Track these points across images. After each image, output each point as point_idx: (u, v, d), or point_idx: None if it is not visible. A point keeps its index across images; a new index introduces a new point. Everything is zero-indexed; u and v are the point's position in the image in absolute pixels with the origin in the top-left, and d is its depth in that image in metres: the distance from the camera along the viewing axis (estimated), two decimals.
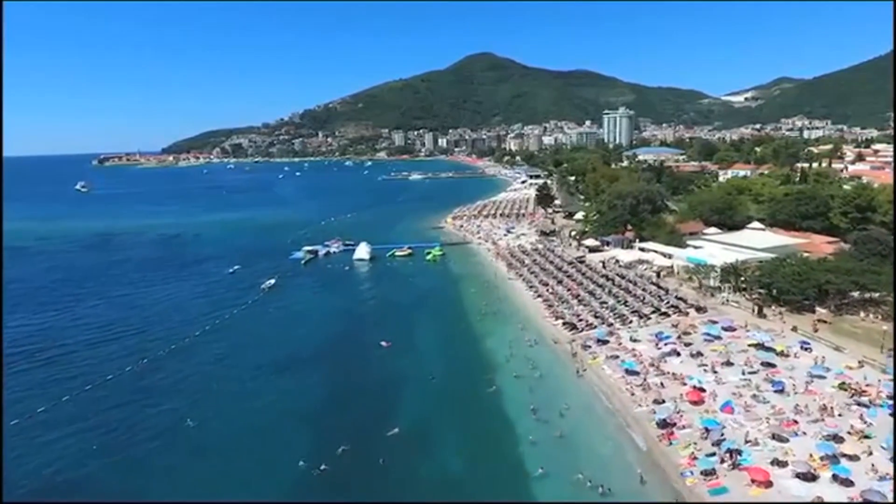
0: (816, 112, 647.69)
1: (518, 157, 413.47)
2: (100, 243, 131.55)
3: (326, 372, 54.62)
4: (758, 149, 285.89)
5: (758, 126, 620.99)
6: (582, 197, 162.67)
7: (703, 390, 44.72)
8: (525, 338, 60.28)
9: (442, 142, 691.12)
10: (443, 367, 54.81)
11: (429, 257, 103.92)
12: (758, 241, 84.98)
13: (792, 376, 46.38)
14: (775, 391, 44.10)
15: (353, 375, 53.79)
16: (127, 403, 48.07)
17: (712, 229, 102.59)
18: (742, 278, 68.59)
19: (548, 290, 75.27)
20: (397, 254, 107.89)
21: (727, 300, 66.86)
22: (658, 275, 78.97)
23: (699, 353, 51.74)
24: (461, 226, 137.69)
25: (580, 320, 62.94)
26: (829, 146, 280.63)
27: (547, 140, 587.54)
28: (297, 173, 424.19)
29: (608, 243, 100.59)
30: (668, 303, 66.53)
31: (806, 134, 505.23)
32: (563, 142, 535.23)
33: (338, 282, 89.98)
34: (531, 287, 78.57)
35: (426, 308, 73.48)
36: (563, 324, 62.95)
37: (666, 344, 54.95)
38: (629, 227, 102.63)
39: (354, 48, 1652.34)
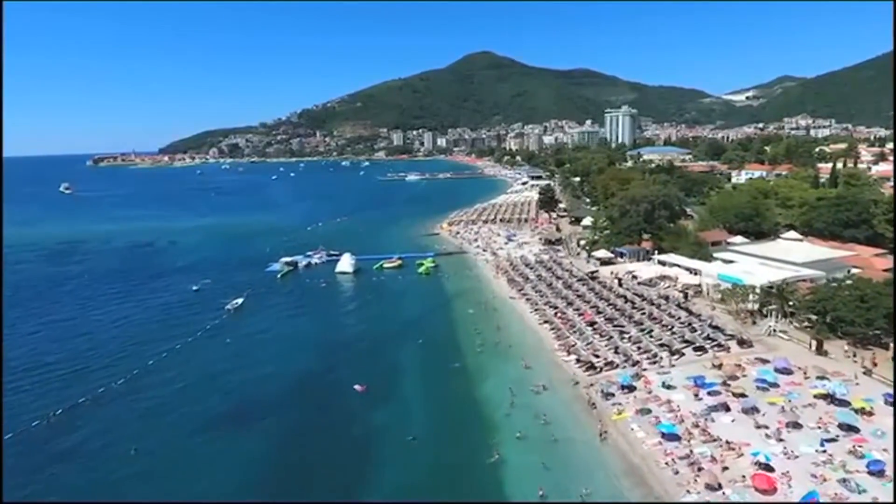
0: (820, 111, 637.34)
1: (518, 157, 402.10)
2: (63, 252, 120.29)
3: (281, 430, 43.30)
4: (767, 148, 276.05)
5: (760, 125, 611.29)
6: (588, 200, 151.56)
7: (771, 470, 33.51)
8: (531, 381, 49.00)
9: (441, 141, 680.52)
10: (428, 422, 43.67)
11: (421, 270, 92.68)
12: (798, 254, 73.84)
13: (887, 448, 35.14)
14: (870, 473, 32.87)
15: (314, 436, 42.53)
16: (8, 476, 36.83)
17: (738, 238, 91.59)
18: (790, 303, 57.29)
19: (556, 315, 64.04)
20: (385, 265, 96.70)
21: (773, 330, 55.54)
22: (685, 296, 67.66)
23: (754, 409, 40.43)
24: (458, 232, 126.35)
25: (597, 357, 51.69)
26: (844, 145, 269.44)
27: (547, 139, 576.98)
28: (292, 174, 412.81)
29: (622, 255, 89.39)
30: (702, 334, 55.24)
31: (812, 133, 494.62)
32: (565, 141, 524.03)
33: (314, 301, 78.66)
34: (536, 309, 67.37)
35: (412, 337, 62.04)
36: (577, 361, 51.74)
37: (709, 393, 43.74)
38: (644, 236, 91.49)
39: (353, 47, 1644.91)
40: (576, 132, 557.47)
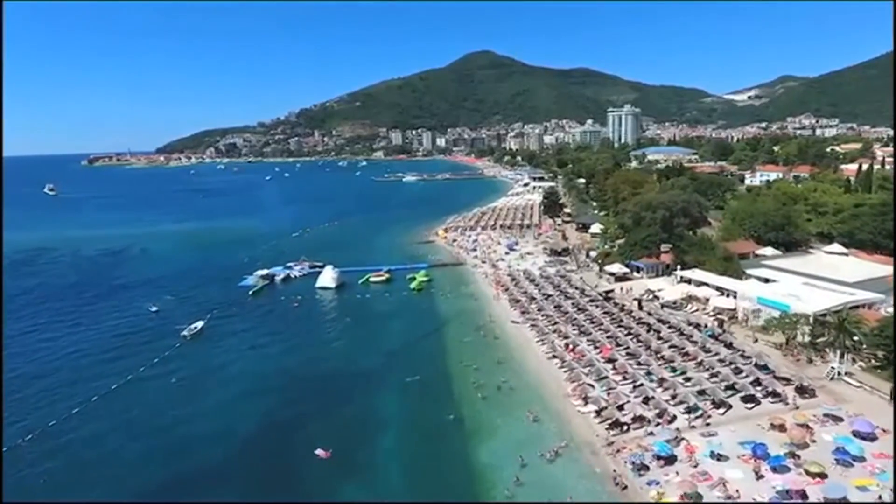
0: (823, 110, 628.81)
1: (519, 157, 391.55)
2: (22, 262, 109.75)
3: None
4: (776, 148, 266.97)
5: (763, 124, 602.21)
6: (595, 204, 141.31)
7: None
8: (540, 441, 38.82)
9: (440, 141, 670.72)
10: None
11: (412, 285, 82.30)
12: (846, 272, 63.63)
13: None
14: None
15: None
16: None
17: (768, 249, 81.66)
18: (856, 338, 47.00)
19: (567, 348, 53.80)
20: (372, 279, 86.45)
21: (838, 373, 45.22)
22: (720, 324, 57.38)
23: (844, 502, 30.23)
24: (454, 240, 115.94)
25: (622, 409, 41.35)
26: (857, 145, 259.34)
27: (548, 139, 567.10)
28: (286, 174, 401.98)
29: (639, 269, 79.17)
30: (750, 377, 44.97)
31: (819, 132, 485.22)
32: (567, 141, 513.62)
33: (286, 325, 68.09)
34: (543, 338, 57.14)
35: (396, 375, 51.70)
36: (597, 413, 41.47)
37: (774, 469, 33.51)
38: (663, 247, 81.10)
39: (353, 47, 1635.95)
40: (577, 132, 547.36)
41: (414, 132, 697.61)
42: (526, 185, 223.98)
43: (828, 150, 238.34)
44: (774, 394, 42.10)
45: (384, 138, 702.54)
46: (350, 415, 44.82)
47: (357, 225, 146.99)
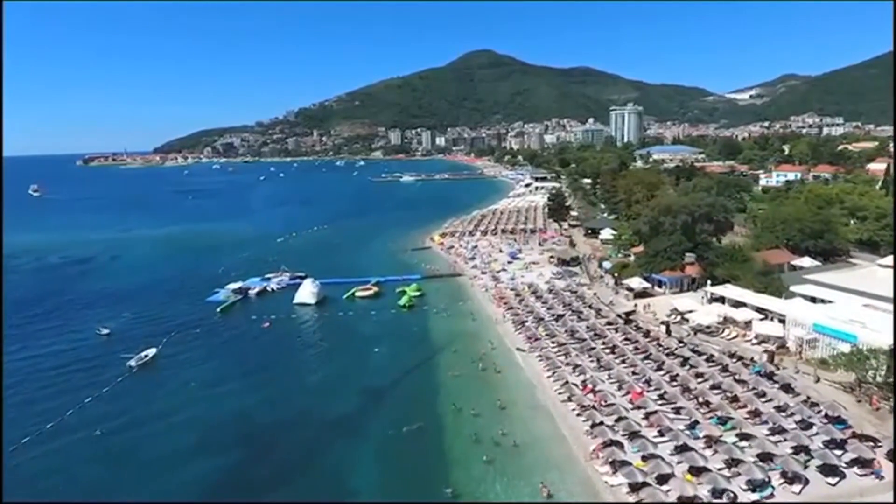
0: (826, 109, 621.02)
1: (520, 157, 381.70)
2: None
3: None
4: (785, 147, 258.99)
5: (766, 123, 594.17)
6: (603, 206, 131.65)
7: None
8: None
9: (440, 140, 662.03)
10: None
11: (402, 301, 72.48)
12: None
13: None
14: None
15: None
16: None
17: (805, 260, 72.04)
18: None
19: (585, 387, 44.06)
20: (358, 293, 76.85)
21: None
22: (771, 358, 47.54)
23: None
24: (451, 246, 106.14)
25: (666, 486, 31.60)
26: (871, 144, 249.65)
27: (549, 138, 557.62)
28: (281, 174, 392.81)
29: (661, 283, 69.43)
30: (823, 436, 35.20)
31: (825, 131, 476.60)
32: (568, 140, 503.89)
33: (252, 353, 57.97)
34: (554, 373, 47.37)
35: (376, 428, 41.77)
36: (630, 489, 31.76)
37: None
38: (687, 257, 71.37)
39: (352, 46, 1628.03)
40: (579, 131, 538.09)
41: (413, 132, 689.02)
42: (528, 185, 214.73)
43: (839, 148, 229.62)
44: (863, 462, 32.38)
45: (383, 138, 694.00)
46: (314, 486, 35.03)
47: (348, 229, 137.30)
